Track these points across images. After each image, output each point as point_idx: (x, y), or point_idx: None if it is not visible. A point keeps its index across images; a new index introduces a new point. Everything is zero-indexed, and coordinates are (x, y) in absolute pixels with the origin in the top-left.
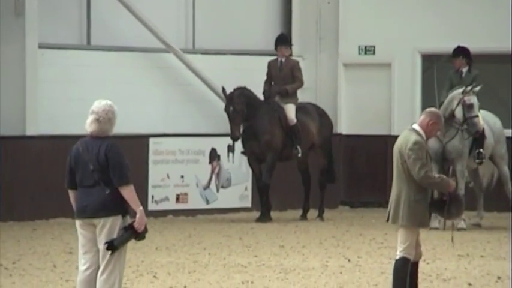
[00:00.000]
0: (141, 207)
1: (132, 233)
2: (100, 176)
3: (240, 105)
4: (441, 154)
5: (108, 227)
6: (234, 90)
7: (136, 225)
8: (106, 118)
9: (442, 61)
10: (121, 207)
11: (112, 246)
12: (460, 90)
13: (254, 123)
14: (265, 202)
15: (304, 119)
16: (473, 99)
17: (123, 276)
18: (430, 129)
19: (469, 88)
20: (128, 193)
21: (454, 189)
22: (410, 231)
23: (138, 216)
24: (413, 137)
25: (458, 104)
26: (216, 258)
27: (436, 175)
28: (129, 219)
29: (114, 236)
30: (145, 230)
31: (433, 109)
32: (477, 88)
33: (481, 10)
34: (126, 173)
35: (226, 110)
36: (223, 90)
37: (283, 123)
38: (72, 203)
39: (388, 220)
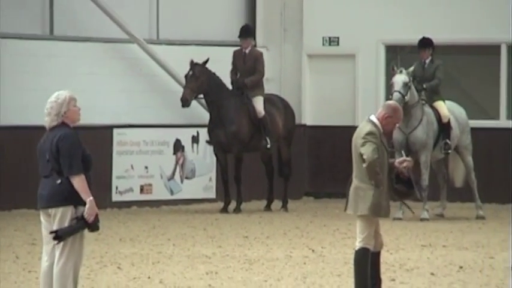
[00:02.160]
0: (91, 198)
1: (83, 224)
2: (53, 166)
3: (200, 74)
4: (405, 145)
5: (59, 217)
6: (204, 62)
7: (85, 215)
8: (49, 109)
9: (405, 52)
10: (72, 198)
11: (57, 236)
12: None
13: (221, 113)
14: (237, 195)
15: (272, 110)
16: (397, 77)
17: (80, 267)
18: (385, 122)
19: (397, 69)
20: (77, 183)
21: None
22: (368, 222)
23: (87, 206)
24: (368, 128)
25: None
26: (180, 249)
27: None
28: (82, 210)
29: (65, 226)
30: (97, 221)
31: (391, 102)
32: (410, 68)
33: (443, 1)
34: (75, 163)
35: (186, 74)
36: (192, 61)
37: (251, 115)
38: None
39: (345, 209)
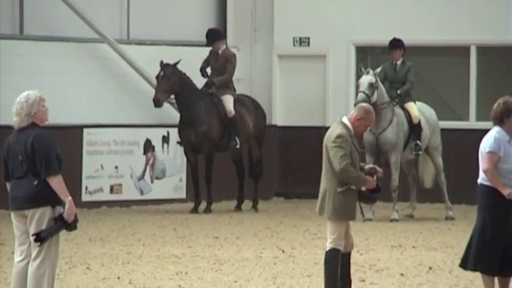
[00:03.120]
0: (70, 198)
1: (62, 224)
2: (28, 167)
3: (171, 75)
4: (375, 146)
5: (37, 218)
6: (175, 63)
7: (65, 215)
8: (19, 110)
9: (376, 53)
10: (50, 198)
11: (39, 237)
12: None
13: (192, 113)
14: (208, 195)
15: (242, 111)
16: (363, 78)
17: (55, 267)
18: (357, 124)
19: (364, 69)
20: (56, 184)
21: (373, 185)
22: (337, 223)
23: (66, 206)
24: (338, 130)
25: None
26: (150, 249)
27: (354, 170)
28: (60, 210)
29: (43, 227)
30: (76, 221)
31: (364, 104)
32: (378, 69)
33: (414, 3)
34: (53, 164)
35: (157, 75)
36: (161, 62)
37: (221, 115)
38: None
39: (317, 212)
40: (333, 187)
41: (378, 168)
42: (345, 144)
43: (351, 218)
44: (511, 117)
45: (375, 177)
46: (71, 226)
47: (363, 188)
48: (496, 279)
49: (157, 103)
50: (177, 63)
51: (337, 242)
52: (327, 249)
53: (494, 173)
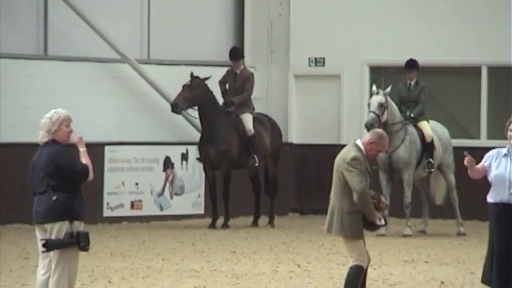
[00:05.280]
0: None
1: (74, 241)
2: (48, 183)
3: (196, 86)
4: (388, 164)
5: (55, 232)
6: (205, 78)
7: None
8: (42, 124)
9: (389, 73)
10: (68, 213)
11: (45, 245)
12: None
13: (213, 131)
14: (225, 211)
15: (260, 129)
16: (373, 98)
17: (75, 281)
18: (369, 148)
19: (375, 89)
20: (88, 167)
21: (373, 221)
22: (351, 242)
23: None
24: (353, 153)
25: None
26: (169, 263)
27: (369, 196)
28: (77, 226)
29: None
30: (88, 244)
31: (379, 130)
32: (388, 89)
33: (427, 24)
34: (79, 171)
35: (184, 84)
36: (192, 73)
37: (241, 133)
38: None
39: (325, 230)
40: (340, 206)
41: (383, 199)
42: (360, 166)
43: (358, 238)
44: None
45: (380, 213)
46: (83, 246)
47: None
48: None
49: (175, 107)
50: (206, 78)
51: (361, 259)
52: (351, 264)
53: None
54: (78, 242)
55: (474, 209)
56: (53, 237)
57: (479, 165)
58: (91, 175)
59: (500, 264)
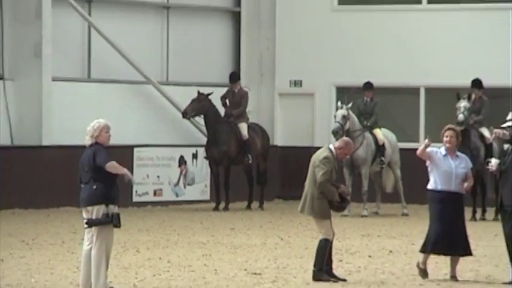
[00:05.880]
0: (125, 170)
1: (109, 220)
2: (91, 175)
3: (202, 99)
4: (350, 161)
5: (95, 213)
6: (208, 94)
7: (126, 178)
8: (87, 131)
9: (351, 92)
10: (104, 199)
11: (88, 223)
12: None
13: (216, 135)
14: (226, 197)
15: (253, 135)
16: (338, 112)
17: (111, 251)
18: (338, 152)
19: (339, 105)
20: (112, 168)
21: (337, 199)
22: (320, 221)
23: (124, 172)
24: (326, 153)
25: None
26: (183, 237)
27: (329, 185)
28: (113, 209)
29: (104, 218)
30: (119, 222)
31: (346, 138)
32: (349, 104)
33: (382, 52)
34: (104, 157)
35: (192, 98)
36: (198, 91)
37: (238, 138)
38: None
39: (299, 210)
40: (312, 192)
41: (346, 190)
42: (328, 165)
43: (325, 217)
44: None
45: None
46: (115, 223)
47: (335, 199)
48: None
49: (184, 115)
50: (209, 94)
51: (328, 234)
52: (320, 238)
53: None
54: (112, 221)
55: (415, 195)
56: (93, 217)
57: (428, 150)
58: (114, 169)
59: (440, 234)
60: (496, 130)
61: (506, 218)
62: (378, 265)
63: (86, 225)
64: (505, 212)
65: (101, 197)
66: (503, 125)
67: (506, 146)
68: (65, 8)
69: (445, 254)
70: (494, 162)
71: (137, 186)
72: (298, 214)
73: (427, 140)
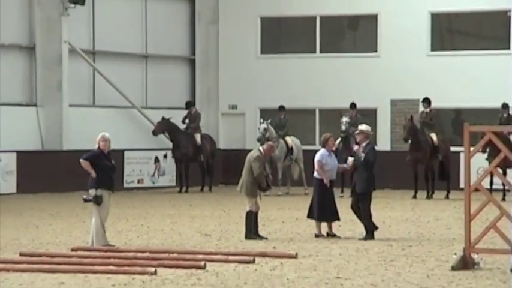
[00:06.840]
0: (92, 172)
1: (92, 200)
2: (94, 168)
3: (165, 122)
4: (270, 158)
5: (90, 194)
6: (169, 118)
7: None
8: (97, 140)
9: (270, 112)
10: (95, 184)
11: (85, 200)
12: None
13: (179, 142)
14: (186, 184)
15: (204, 142)
16: (261, 125)
17: (106, 220)
18: (266, 152)
19: (262, 121)
20: (82, 164)
21: (265, 184)
22: (250, 198)
23: (90, 171)
24: (257, 153)
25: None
26: (157, 211)
27: (262, 175)
28: (101, 192)
29: (90, 198)
30: (98, 201)
31: (270, 142)
32: (269, 120)
33: (293, 77)
34: (84, 156)
35: (158, 121)
36: (163, 117)
37: (194, 143)
38: None
39: (238, 190)
40: (247, 180)
41: (269, 178)
42: (259, 161)
43: (253, 196)
44: (327, 143)
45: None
46: (95, 201)
47: (263, 184)
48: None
49: (154, 133)
50: (169, 118)
51: (253, 207)
52: (247, 210)
53: (320, 171)
54: (96, 200)
55: (311, 181)
56: (90, 198)
57: (321, 160)
58: (84, 165)
59: (320, 206)
60: (349, 158)
61: (354, 197)
62: (288, 228)
63: (83, 202)
64: (355, 193)
65: (95, 183)
66: (356, 131)
67: (355, 147)
68: (77, 57)
69: (325, 221)
70: (350, 160)
71: (127, 177)
72: (236, 194)
73: (349, 163)
